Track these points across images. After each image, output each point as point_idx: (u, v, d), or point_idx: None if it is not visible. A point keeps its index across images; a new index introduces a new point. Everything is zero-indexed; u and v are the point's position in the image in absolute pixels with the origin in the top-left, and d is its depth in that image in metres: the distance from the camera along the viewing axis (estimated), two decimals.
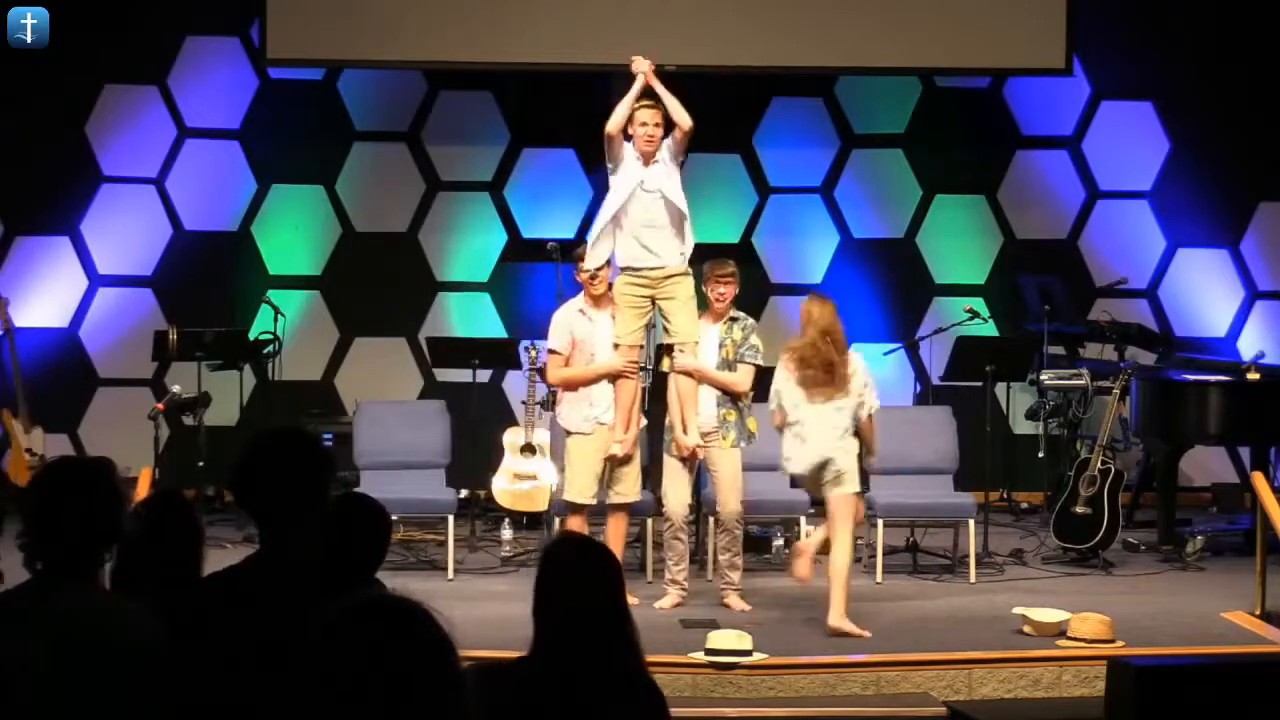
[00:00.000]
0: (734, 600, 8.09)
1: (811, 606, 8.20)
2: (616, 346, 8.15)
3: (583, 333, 8.25)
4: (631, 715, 3.44)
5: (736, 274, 8.27)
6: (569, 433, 8.28)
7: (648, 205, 8.01)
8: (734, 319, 8.27)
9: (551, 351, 8.35)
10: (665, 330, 8.19)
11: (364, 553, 4.19)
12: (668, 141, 8.08)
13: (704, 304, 8.26)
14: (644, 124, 8.01)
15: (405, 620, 2.35)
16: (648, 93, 8.20)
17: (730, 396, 8.18)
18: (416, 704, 2.30)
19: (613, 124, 8.01)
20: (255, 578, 3.57)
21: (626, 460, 8.19)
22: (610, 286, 8.19)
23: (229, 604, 3.54)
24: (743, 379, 8.21)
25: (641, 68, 8.10)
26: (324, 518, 3.80)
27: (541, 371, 9.18)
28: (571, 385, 8.26)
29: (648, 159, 8.04)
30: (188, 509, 4.23)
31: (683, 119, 7.96)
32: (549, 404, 9.23)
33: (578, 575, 3.48)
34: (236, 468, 3.62)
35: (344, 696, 2.29)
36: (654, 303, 8.10)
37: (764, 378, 8.58)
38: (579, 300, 8.34)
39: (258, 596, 3.51)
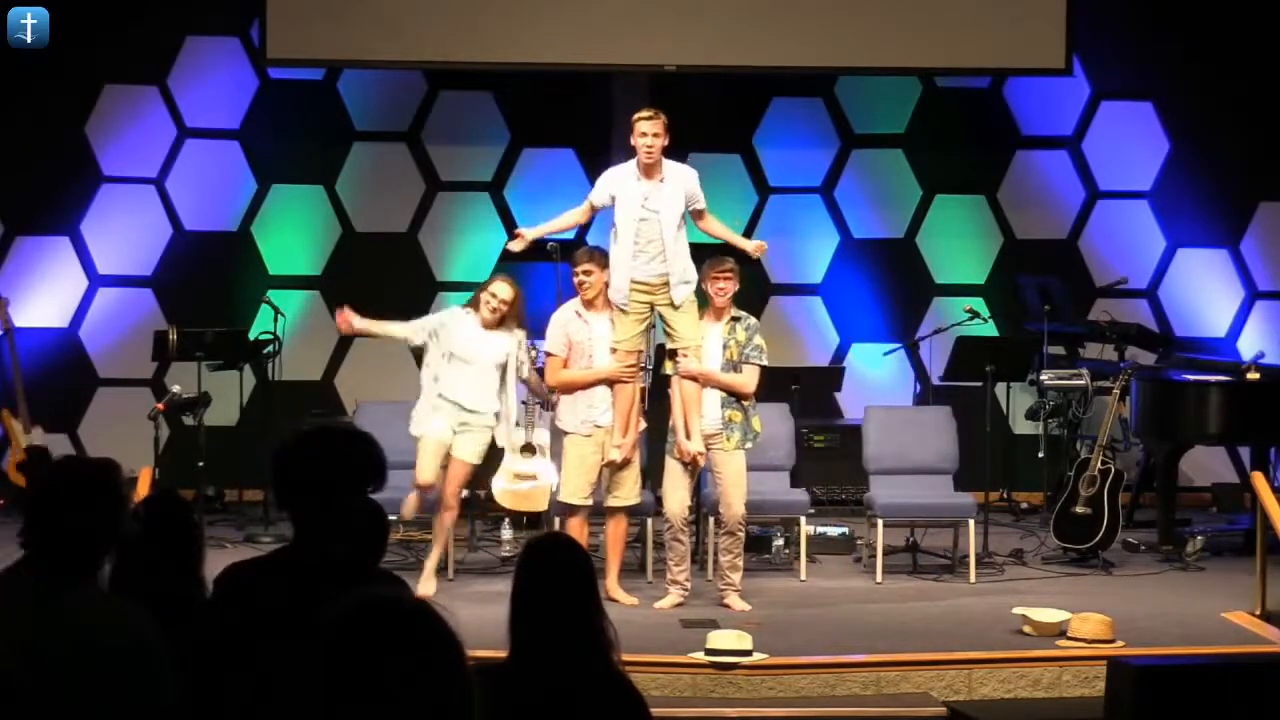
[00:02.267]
0: (734, 600, 8.08)
1: (813, 606, 8.21)
2: (614, 351, 8.14)
3: (579, 335, 8.24)
4: (609, 715, 3.45)
5: (736, 270, 8.26)
6: (565, 434, 8.28)
7: (647, 223, 8.01)
8: (736, 319, 8.26)
9: (549, 354, 8.35)
10: (667, 335, 8.18)
11: (361, 553, 4.18)
12: (691, 183, 8.08)
13: (704, 302, 8.25)
14: (644, 134, 7.98)
15: (413, 619, 2.35)
16: (648, 103, 8.23)
17: (735, 397, 8.17)
18: (425, 704, 2.30)
19: (574, 226, 8.51)
20: (286, 571, 3.57)
21: (625, 464, 8.18)
22: (608, 286, 8.18)
23: (254, 591, 3.56)
24: (748, 380, 8.20)
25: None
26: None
27: (542, 373, 9.17)
28: (570, 389, 8.26)
29: (649, 172, 8.02)
30: (185, 509, 4.22)
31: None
32: (549, 404, 9.22)
33: (548, 576, 3.49)
34: (287, 461, 3.58)
35: (351, 696, 2.28)
36: (654, 309, 8.10)
37: (769, 378, 8.59)
38: (574, 303, 8.34)
39: (285, 588, 3.52)
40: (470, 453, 8.39)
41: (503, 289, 8.38)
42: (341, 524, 3.60)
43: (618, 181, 8.11)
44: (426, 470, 8.36)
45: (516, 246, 8.40)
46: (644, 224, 8.01)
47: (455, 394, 8.39)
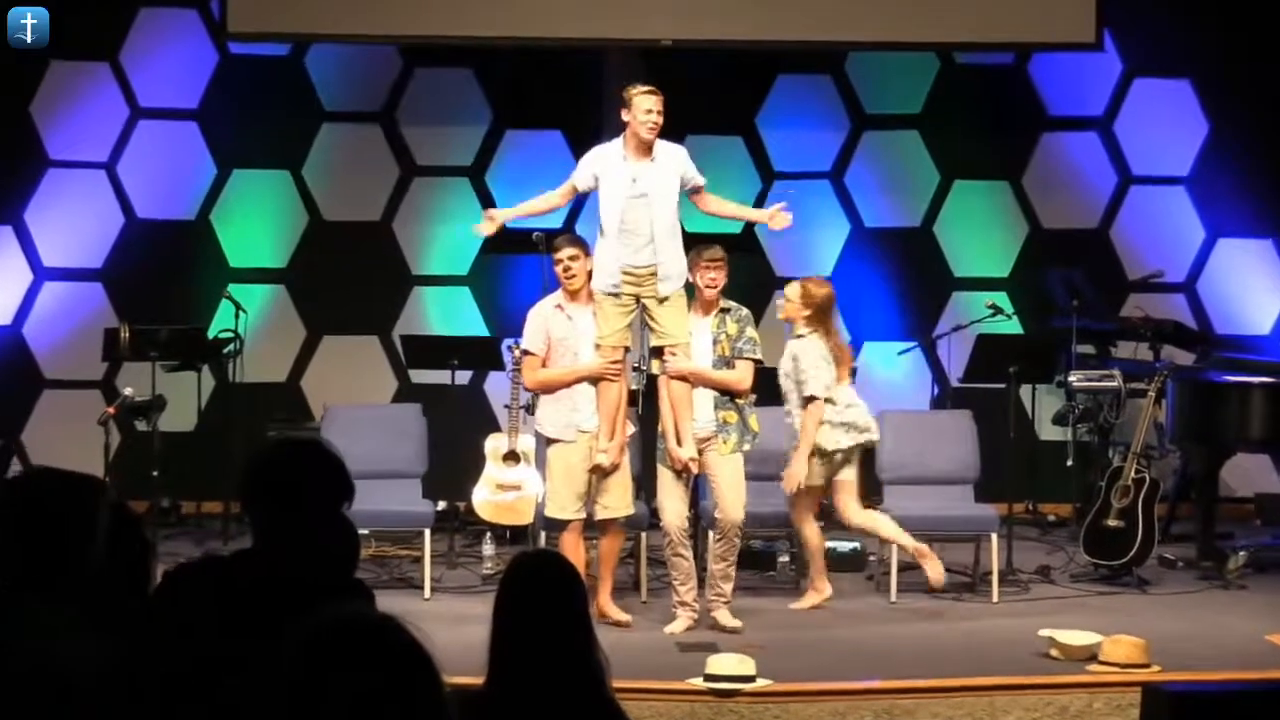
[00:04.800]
0: (723, 616, 8.06)
1: (821, 628, 8.21)
2: (598, 347, 8.13)
3: (562, 331, 8.22)
4: None
5: (726, 260, 8.26)
6: (549, 440, 8.26)
7: (633, 210, 7.99)
8: (725, 310, 8.25)
9: (526, 352, 8.33)
10: (652, 332, 8.16)
11: (328, 572, 4.17)
12: (683, 162, 8.08)
13: (691, 294, 8.24)
14: (649, 110, 7.98)
15: (383, 638, 2.34)
16: (642, 80, 8.26)
17: (729, 396, 8.16)
18: None
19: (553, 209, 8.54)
20: (241, 580, 3.63)
21: (613, 471, 8.16)
22: (589, 277, 8.16)
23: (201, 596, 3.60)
24: (743, 376, 8.19)
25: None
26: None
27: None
28: (549, 388, 8.25)
29: (643, 151, 8.01)
30: (134, 523, 4.21)
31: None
32: (534, 408, 9.22)
33: (534, 596, 3.48)
34: (263, 470, 3.70)
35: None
36: (639, 301, 8.07)
37: (772, 379, 8.58)
38: (556, 296, 8.32)
39: (237, 597, 3.56)
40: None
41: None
42: (310, 539, 3.63)
43: (603, 161, 8.10)
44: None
45: (485, 229, 8.42)
46: (632, 206, 7.99)
47: None
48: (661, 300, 8.03)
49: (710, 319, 8.22)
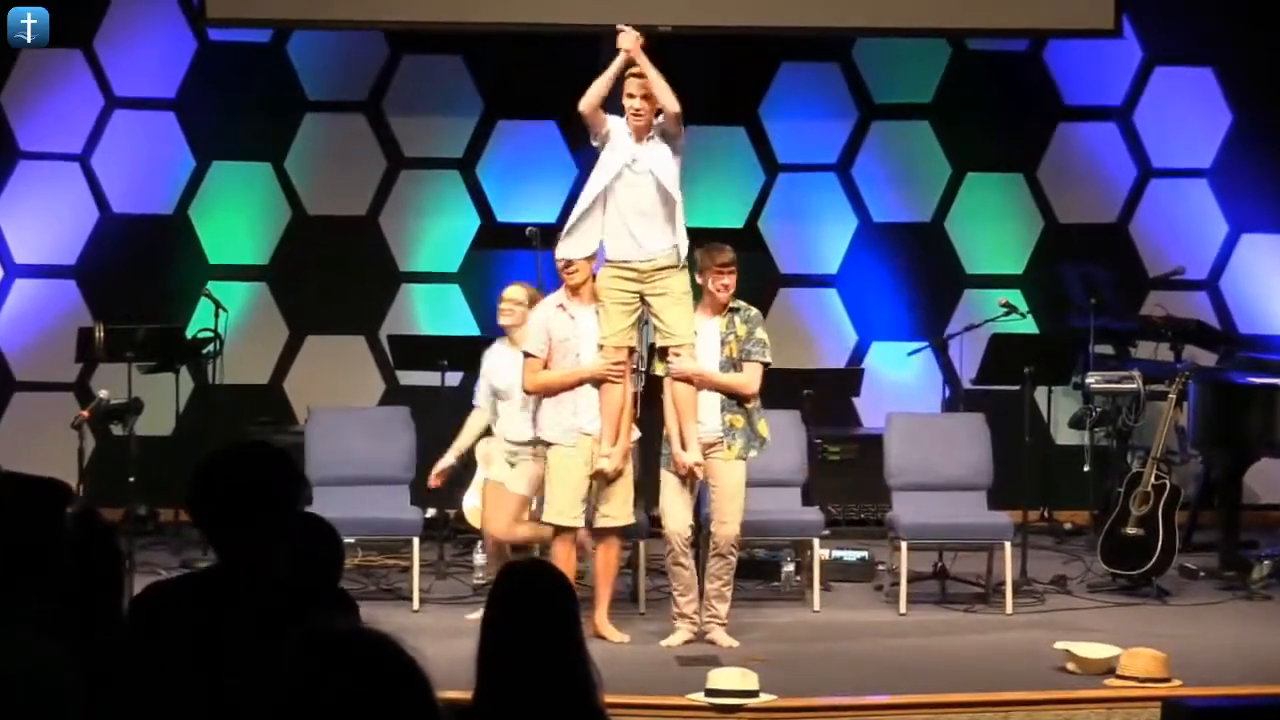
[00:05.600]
0: (719, 636, 8.05)
1: (828, 641, 8.22)
2: (601, 348, 8.13)
3: (564, 331, 8.22)
4: None
5: (737, 262, 8.26)
6: (549, 444, 8.26)
7: (637, 188, 8.01)
8: (734, 310, 8.24)
9: (527, 354, 8.33)
10: (656, 331, 8.16)
11: (311, 581, 4.17)
12: (661, 123, 8.10)
13: (699, 294, 8.24)
14: (630, 95, 8.02)
15: (377, 656, 2.35)
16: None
17: (736, 400, 8.16)
18: None
19: (584, 101, 8.06)
20: (209, 591, 3.65)
21: (615, 477, 8.16)
22: (594, 277, 8.18)
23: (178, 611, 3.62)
24: (750, 379, 8.18)
25: (626, 43, 8.08)
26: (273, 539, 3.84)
27: None
28: (550, 390, 8.25)
29: (639, 134, 8.04)
30: (105, 532, 4.21)
31: (668, 102, 7.97)
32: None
33: (525, 608, 3.49)
34: (199, 478, 3.75)
35: None
36: (643, 299, 8.08)
37: (777, 381, 8.58)
38: (558, 295, 8.32)
39: (210, 610, 3.58)
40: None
41: (512, 290, 8.75)
42: (273, 545, 3.64)
43: (618, 131, 8.11)
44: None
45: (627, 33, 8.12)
46: (633, 188, 8.00)
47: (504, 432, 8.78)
48: (663, 293, 8.01)
49: (719, 319, 8.21)
